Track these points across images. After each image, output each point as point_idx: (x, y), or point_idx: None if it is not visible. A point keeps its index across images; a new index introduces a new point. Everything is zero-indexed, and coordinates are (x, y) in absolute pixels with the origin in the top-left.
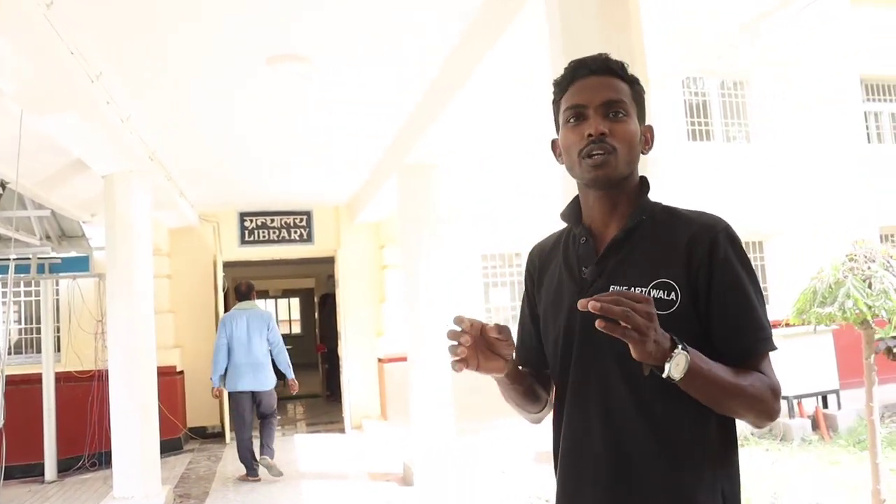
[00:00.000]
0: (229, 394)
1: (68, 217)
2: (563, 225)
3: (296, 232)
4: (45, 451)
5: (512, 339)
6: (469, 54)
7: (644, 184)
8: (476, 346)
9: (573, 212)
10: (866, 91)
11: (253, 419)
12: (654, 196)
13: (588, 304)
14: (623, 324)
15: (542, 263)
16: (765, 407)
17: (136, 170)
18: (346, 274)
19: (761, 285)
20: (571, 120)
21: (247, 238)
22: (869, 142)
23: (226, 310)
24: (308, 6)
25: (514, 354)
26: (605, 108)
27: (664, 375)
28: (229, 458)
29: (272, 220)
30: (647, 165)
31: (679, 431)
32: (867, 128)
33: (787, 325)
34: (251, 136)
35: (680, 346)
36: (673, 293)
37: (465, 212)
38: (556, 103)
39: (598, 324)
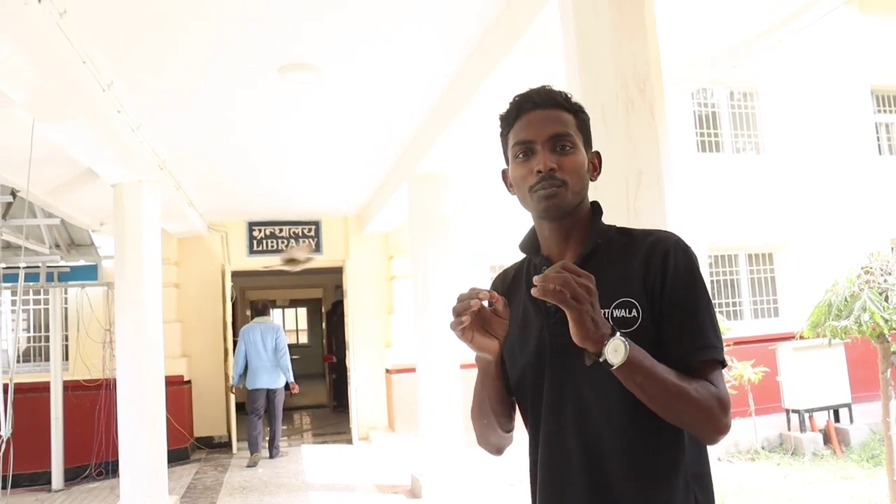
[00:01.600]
0: (248, 390)
1: (78, 226)
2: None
3: (304, 242)
4: (52, 459)
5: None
6: (481, 64)
7: (596, 209)
8: (474, 317)
9: (531, 242)
10: (877, 102)
11: (263, 412)
12: (607, 220)
13: (535, 289)
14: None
15: (505, 294)
16: (711, 416)
17: (146, 179)
18: (355, 284)
19: (769, 297)
20: (520, 156)
21: (255, 247)
22: (880, 153)
23: (233, 319)
24: (320, 17)
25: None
26: (553, 142)
27: (601, 360)
28: (236, 468)
29: (280, 230)
30: (661, 176)
31: (652, 448)
32: (878, 139)
33: (801, 337)
34: (261, 146)
35: (619, 333)
36: (634, 310)
37: (475, 222)
38: (504, 137)
39: (533, 291)
